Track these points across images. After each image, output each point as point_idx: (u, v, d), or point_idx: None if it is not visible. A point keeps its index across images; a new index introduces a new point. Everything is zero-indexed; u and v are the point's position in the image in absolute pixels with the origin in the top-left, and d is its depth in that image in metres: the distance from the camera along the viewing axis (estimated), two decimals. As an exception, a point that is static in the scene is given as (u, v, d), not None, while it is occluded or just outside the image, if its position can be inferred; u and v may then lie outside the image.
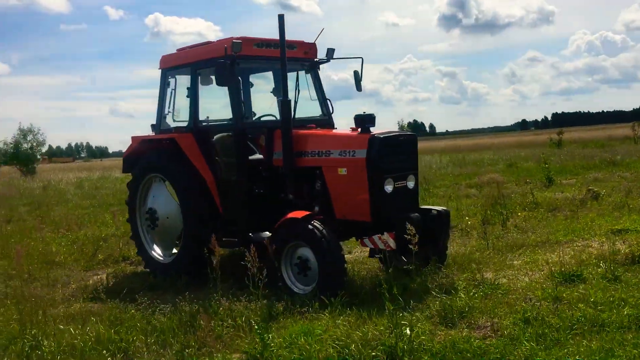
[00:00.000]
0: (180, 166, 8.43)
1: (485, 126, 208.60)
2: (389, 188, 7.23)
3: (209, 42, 8.66)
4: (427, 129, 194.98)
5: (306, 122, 8.59)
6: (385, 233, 7.12)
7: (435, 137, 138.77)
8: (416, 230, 7.00)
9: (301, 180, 7.87)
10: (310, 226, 6.89)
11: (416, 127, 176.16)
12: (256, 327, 5.17)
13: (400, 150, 7.47)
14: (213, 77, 8.24)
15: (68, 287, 8.47)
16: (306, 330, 5.43)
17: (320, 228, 6.87)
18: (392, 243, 7.12)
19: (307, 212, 7.17)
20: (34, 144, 37.99)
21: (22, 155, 35.85)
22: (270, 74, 9.47)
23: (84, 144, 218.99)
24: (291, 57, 8.74)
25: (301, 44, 8.83)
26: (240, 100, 8.18)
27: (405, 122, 41.05)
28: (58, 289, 8.30)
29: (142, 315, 6.29)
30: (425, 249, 7.61)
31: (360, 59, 8.99)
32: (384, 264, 8.04)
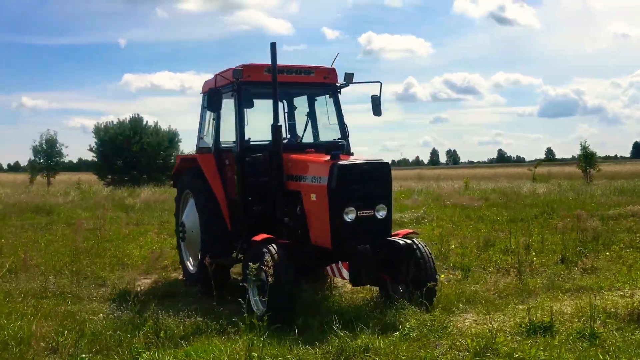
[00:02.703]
0: (201, 184, 9.03)
1: None
2: (350, 217, 7.10)
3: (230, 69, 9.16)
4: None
5: (319, 147, 8.67)
6: (339, 262, 7.01)
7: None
8: (365, 262, 6.86)
9: (290, 203, 8.01)
10: (265, 249, 7.03)
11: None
12: (134, 343, 5.52)
13: (367, 179, 7.27)
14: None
15: (104, 288, 9.45)
16: (189, 351, 5.65)
17: (274, 252, 6.97)
18: (345, 273, 6.99)
19: (268, 236, 7.32)
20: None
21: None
22: (304, 98, 9.73)
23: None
24: (309, 82, 8.95)
25: (319, 69, 8.96)
26: (242, 124, 8.53)
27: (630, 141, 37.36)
28: (92, 289, 9.32)
29: (96, 319, 6.94)
30: (396, 281, 7.36)
31: (379, 83, 8.89)
32: (383, 293, 7.94)
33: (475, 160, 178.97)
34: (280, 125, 8.01)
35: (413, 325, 6.48)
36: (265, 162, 8.56)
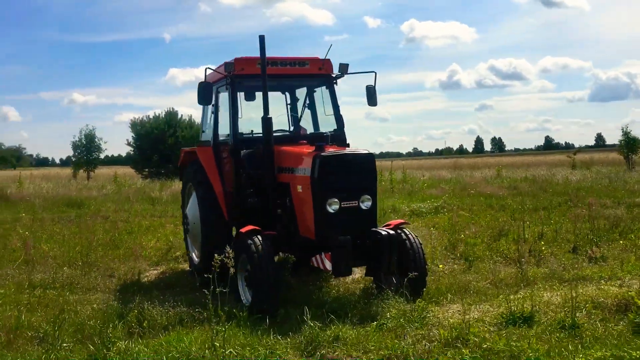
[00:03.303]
0: (200, 177, 9.16)
1: None
2: (333, 208, 7.12)
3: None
4: None
5: (311, 138, 8.68)
6: (322, 253, 7.06)
7: None
8: (346, 253, 6.88)
9: (281, 195, 8.07)
10: (249, 241, 7.12)
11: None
12: (109, 333, 5.69)
13: (350, 170, 7.27)
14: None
15: (111, 279, 9.70)
16: (162, 341, 5.80)
17: (258, 243, 7.05)
18: (327, 264, 7.03)
19: (254, 227, 7.39)
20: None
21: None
22: (303, 90, 9.77)
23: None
24: (303, 73, 8.98)
25: (314, 60, 8.96)
26: (236, 117, 8.62)
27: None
28: (99, 280, 9.56)
29: (84, 309, 7.18)
30: (379, 272, 7.36)
31: (374, 73, 8.87)
32: (376, 284, 7.94)
33: (521, 148, 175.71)
34: (270, 118, 8.05)
35: (393, 315, 6.47)
36: (260, 154, 8.64)
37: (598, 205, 16.04)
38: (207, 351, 5.39)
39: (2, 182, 31.64)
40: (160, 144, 39.25)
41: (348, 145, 8.92)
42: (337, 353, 5.54)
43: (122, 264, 10.71)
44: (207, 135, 9.77)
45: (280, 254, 10.13)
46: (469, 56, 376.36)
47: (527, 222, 12.91)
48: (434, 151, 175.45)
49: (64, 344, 5.92)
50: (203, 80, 8.38)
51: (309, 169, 7.24)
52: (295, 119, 10.03)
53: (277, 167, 8.10)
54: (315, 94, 9.64)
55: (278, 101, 10.27)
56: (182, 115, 43.22)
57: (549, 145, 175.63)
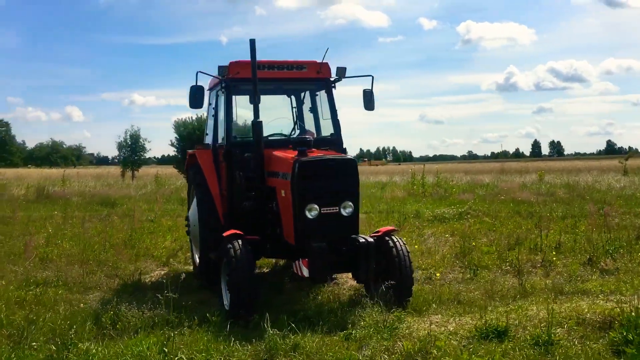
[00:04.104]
0: (200, 179, 9.20)
1: None
2: (312, 214, 7.02)
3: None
4: None
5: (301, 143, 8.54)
6: (300, 259, 6.96)
7: None
8: (320, 259, 6.77)
9: (270, 199, 8.01)
10: (229, 245, 7.08)
11: None
12: (70, 334, 5.76)
13: (331, 175, 7.15)
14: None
15: (111, 279, 9.83)
16: (122, 344, 5.83)
17: (237, 247, 7.01)
18: (305, 270, 6.93)
19: (235, 231, 7.35)
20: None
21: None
22: (306, 94, 9.70)
23: (390, 148, 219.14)
24: (301, 77, 8.90)
25: (312, 64, 8.87)
26: (230, 121, 8.60)
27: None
28: (102, 279, 9.72)
29: (64, 308, 7.31)
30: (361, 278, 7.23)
31: (371, 77, 8.73)
32: (367, 290, 7.82)
33: (582, 152, 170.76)
34: (260, 122, 7.98)
35: (364, 325, 6.33)
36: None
37: (632, 214, 15.38)
38: (159, 355, 5.38)
39: (52, 180, 32.71)
40: (202, 145, 39.75)
41: (345, 151, 8.80)
42: (293, 363, 5.44)
43: (130, 263, 10.86)
44: (209, 138, 9.81)
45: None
46: (527, 58, 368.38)
47: (549, 231, 12.48)
48: (489, 154, 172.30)
49: (33, 343, 6.01)
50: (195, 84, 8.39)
51: (289, 174, 7.17)
52: (299, 123, 9.97)
53: (267, 172, 8.04)
54: (317, 97, 9.55)
55: (283, 104, 10.22)
56: (223, 117, 43.54)
57: (611, 150, 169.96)
